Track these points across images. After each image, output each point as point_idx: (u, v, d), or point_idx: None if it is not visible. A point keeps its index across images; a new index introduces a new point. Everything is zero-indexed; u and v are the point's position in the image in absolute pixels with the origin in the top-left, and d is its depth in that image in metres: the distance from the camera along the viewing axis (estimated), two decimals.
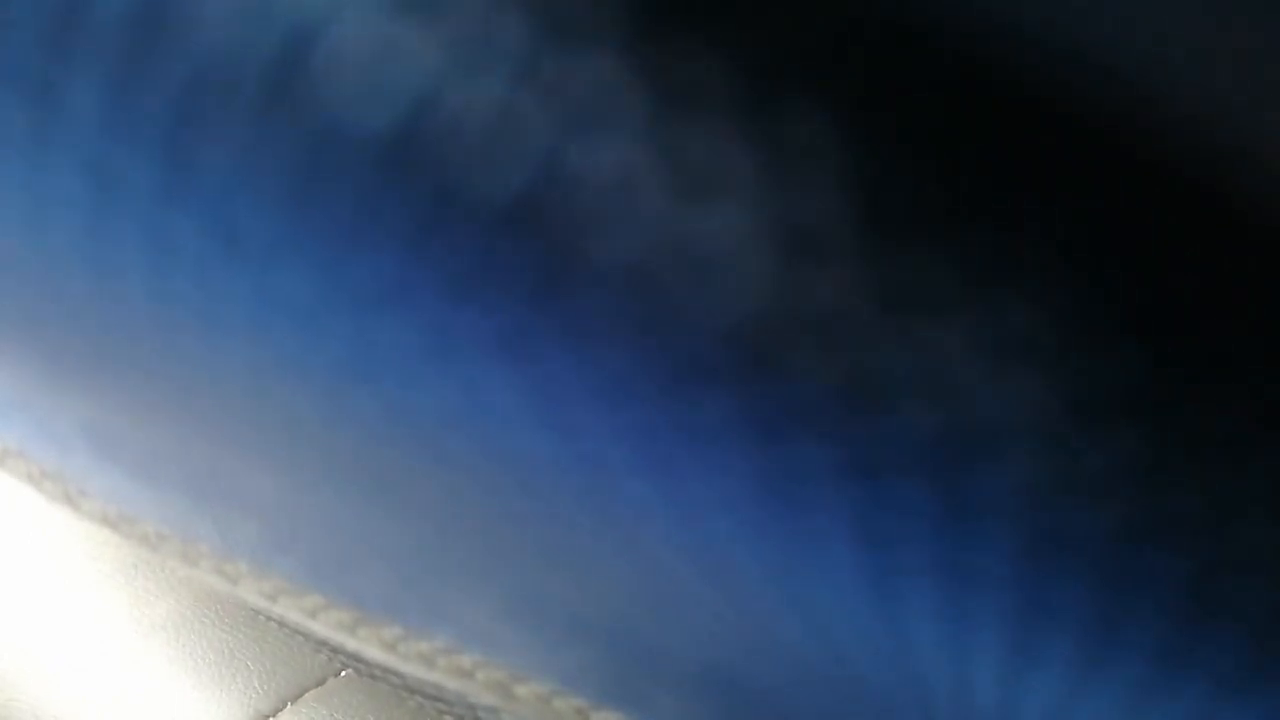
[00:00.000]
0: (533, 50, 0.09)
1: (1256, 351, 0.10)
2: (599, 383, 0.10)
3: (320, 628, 0.18)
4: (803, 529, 0.11)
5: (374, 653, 0.18)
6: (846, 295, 0.10)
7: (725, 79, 0.09)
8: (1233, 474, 0.10)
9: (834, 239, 0.09)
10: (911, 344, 0.10)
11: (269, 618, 0.35)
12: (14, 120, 0.11)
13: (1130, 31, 0.09)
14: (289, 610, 0.18)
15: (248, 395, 0.13)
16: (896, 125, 0.09)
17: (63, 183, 0.11)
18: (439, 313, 0.10)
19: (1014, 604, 0.11)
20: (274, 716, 0.34)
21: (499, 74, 0.09)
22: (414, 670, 0.18)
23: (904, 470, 0.10)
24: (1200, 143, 0.09)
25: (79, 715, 0.35)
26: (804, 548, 0.11)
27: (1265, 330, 0.10)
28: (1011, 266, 0.10)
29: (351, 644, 0.18)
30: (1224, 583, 0.10)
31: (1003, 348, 0.10)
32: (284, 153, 0.10)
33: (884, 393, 0.10)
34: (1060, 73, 0.09)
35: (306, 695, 0.35)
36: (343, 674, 0.35)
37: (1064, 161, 0.09)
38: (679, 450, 0.11)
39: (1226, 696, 0.11)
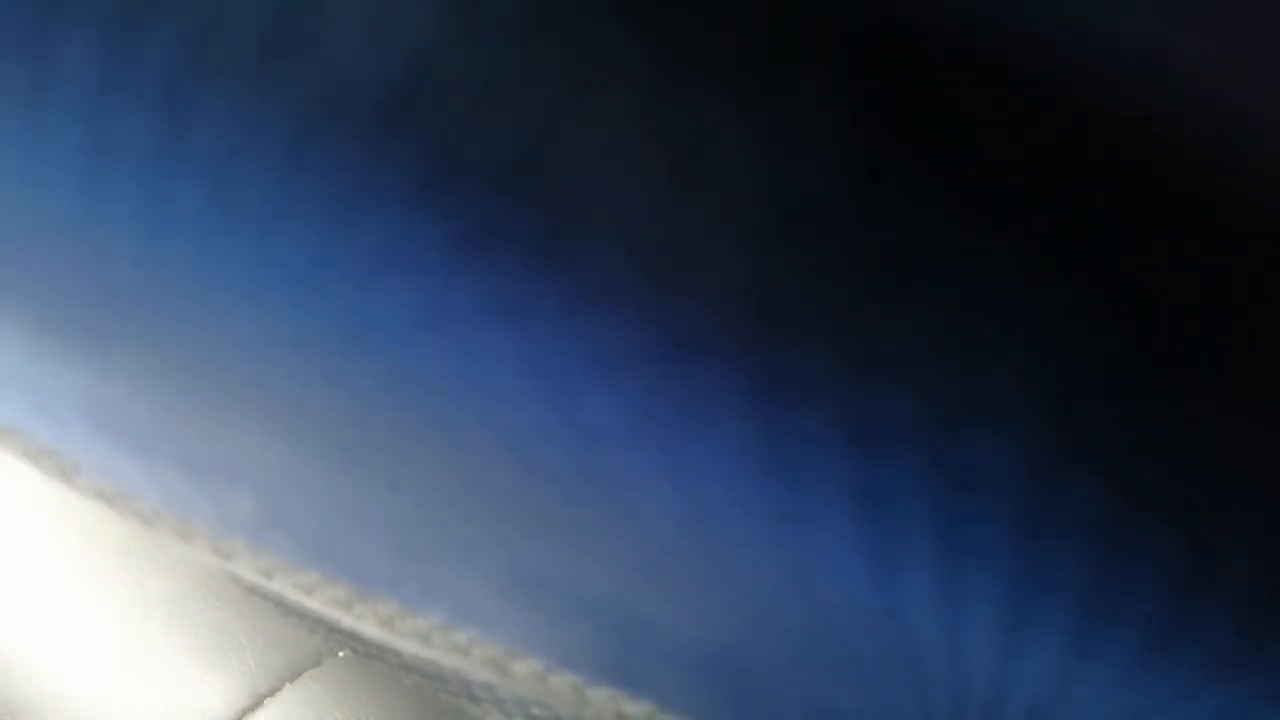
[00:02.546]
0: (531, 13, 0.09)
1: (1250, 338, 0.10)
2: (596, 352, 0.10)
3: (316, 604, 0.18)
4: (800, 500, 0.11)
5: (370, 629, 0.18)
6: (845, 267, 0.10)
7: (726, 45, 0.09)
8: (1225, 453, 0.10)
9: (833, 211, 0.09)
10: (910, 316, 0.10)
11: (265, 596, 0.35)
12: (9, 82, 0.11)
13: (1117, 28, 0.09)
14: (285, 587, 0.18)
15: (244, 364, 0.13)
16: (896, 102, 0.09)
17: (58, 147, 0.11)
18: (437, 279, 0.10)
19: (1010, 577, 0.11)
20: (271, 696, 0.34)
21: (497, 36, 0.09)
22: (410, 647, 0.18)
23: (902, 442, 0.10)
24: (1184, 142, 0.09)
25: (74, 694, 0.35)
26: (801, 519, 0.11)
27: (1255, 319, 0.10)
28: (1011, 244, 0.10)
29: (347, 621, 0.18)
30: (1217, 558, 0.10)
31: (1000, 322, 0.10)
32: (282, 115, 0.10)
33: (881, 365, 0.10)
34: (1059, 66, 0.09)
35: (303, 675, 0.35)
36: (339, 654, 0.35)
37: (1060, 152, 0.09)
38: (676, 420, 0.11)
39: (1219, 670, 0.11)
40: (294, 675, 0.35)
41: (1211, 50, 0.09)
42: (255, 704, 0.34)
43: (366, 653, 0.34)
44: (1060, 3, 0.09)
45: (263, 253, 0.11)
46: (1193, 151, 0.09)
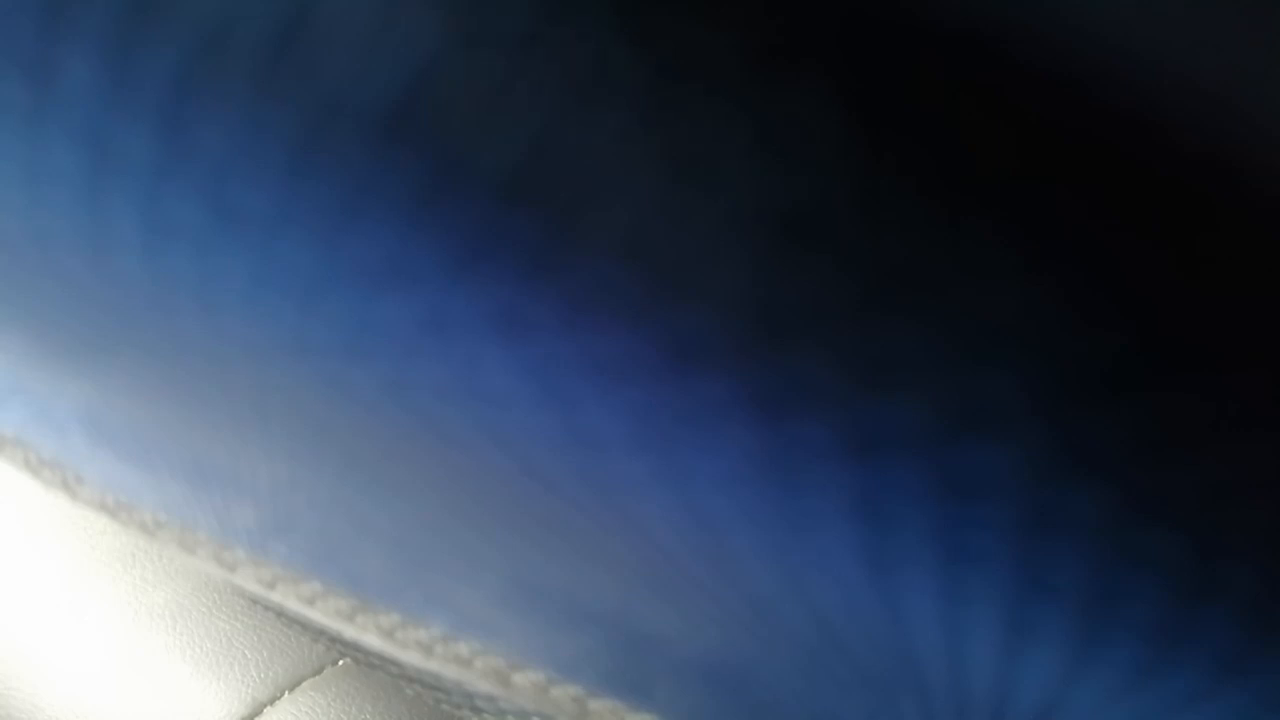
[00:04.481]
0: (531, 23, 0.09)
1: (1250, 339, 0.10)
2: (597, 361, 0.10)
3: (318, 615, 0.18)
4: (801, 508, 0.11)
5: (371, 640, 0.18)
6: (844, 275, 0.10)
7: (724, 54, 0.09)
8: (1227, 455, 0.10)
9: (833, 218, 0.09)
10: (910, 324, 0.10)
11: (267, 606, 0.35)
12: (9, 95, 0.11)
13: (1118, 29, 0.09)
14: (287, 597, 0.18)
15: (244, 376, 0.13)
16: (895, 106, 0.09)
17: (58, 158, 0.11)
18: (437, 290, 0.10)
19: (1011, 583, 0.11)
20: (271, 705, 0.34)
21: (496, 47, 0.09)
22: (411, 658, 0.18)
23: (902, 449, 0.10)
24: (1184, 142, 0.09)
25: (76, 704, 0.35)
26: (802, 527, 0.11)
27: (1256, 320, 0.10)
28: (1010, 250, 0.10)
29: (349, 632, 0.18)
30: (1220, 562, 0.10)
31: (1000, 328, 0.10)
32: (282, 126, 0.10)
33: (882, 372, 0.10)
34: (1060, 68, 0.09)
35: (304, 684, 0.35)
36: (340, 663, 0.35)
37: (1061, 154, 0.09)
38: (678, 429, 0.11)
39: (1223, 675, 0.11)
40: (294, 684, 0.35)
41: (1212, 49, 0.09)
42: (255, 712, 0.34)
43: (368, 662, 0.34)
44: (1062, 3, 0.09)
45: (264, 262, 0.11)
46: (1193, 151, 0.09)
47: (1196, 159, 0.09)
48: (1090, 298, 0.10)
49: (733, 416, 0.10)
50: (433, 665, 0.18)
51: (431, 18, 0.09)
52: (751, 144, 0.09)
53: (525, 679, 0.17)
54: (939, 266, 0.10)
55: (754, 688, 0.14)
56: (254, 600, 0.36)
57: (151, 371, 0.14)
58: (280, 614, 0.35)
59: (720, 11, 0.09)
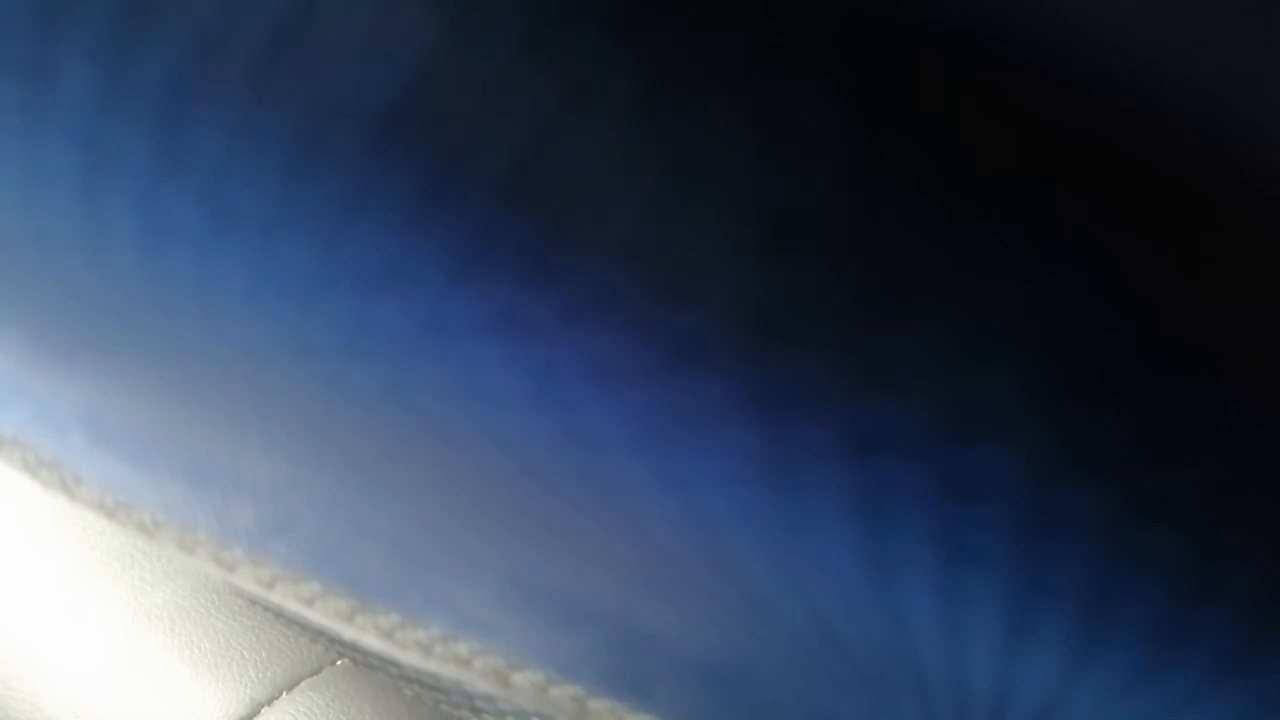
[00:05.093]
0: (529, 24, 0.09)
1: (1250, 339, 0.10)
2: (597, 362, 0.10)
3: (317, 615, 0.18)
4: (801, 509, 0.11)
5: (371, 640, 0.18)
6: (844, 275, 0.10)
7: (724, 54, 0.09)
8: (1226, 455, 0.10)
9: (831, 219, 0.09)
10: (910, 324, 0.10)
11: (266, 607, 0.35)
12: (8, 95, 0.11)
13: (1118, 29, 0.09)
14: (286, 598, 0.18)
15: (244, 376, 0.13)
16: (895, 106, 0.09)
17: (57, 159, 0.11)
18: (437, 291, 0.10)
19: (1011, 583, 0.11)
20: (270, 705, 0.34)
21: (495, 50, 0.09)
22: (411, 658, 0.18)
23: (902, 449, 0.10)
24: (1184, 142, 0.09)
25: (76, 704, 0.35)
26: (802, 528, 0.11)
27: (1256, 320, 0.10)
28: (1010, 250, 0.10)
29: (348, 632, 0.18)
30: (1220, 562, 0.10)
31: (1000, 328, 0.10)
32: (280, 127, 0.10)
33: (882, 373, 0.10)
34: (1059, 69, 0.09)
35: (302, 684, 0.35)
36: (339, 663, 0.35)
37: (1061, 148, 0.09)
38: (677, 430, 0.11)
39: (1223, 675, 0.11)
40: (293, 684, 0.35)
41: (1212, 49, 0.09)
42: (254, 712, 0.34)
43: (367, 663, 0.34)
44: (1062, 3, 0.09)
45: (263, 263, 0.11)
46: (1193, 151, 0.09)
47: (1196, 159, 0.09)
48: (1090, 298, 0.10)
49: (733, 417, 0.10)
50: (432, 665, 0.18)
51: (430, 19, 0.09)
52: (751, 145, 0.09)
53: (525, 679, 0.17)
54: (939, 266, 0.10)
55: (754, 688, 0.14)
56: (253, 601, 0.36)
57: (151, 371, 0.14)
58: (279, 614, 0.35)
59: (720, 11, 0.09)
